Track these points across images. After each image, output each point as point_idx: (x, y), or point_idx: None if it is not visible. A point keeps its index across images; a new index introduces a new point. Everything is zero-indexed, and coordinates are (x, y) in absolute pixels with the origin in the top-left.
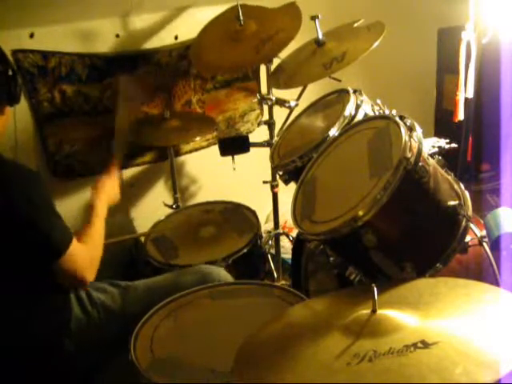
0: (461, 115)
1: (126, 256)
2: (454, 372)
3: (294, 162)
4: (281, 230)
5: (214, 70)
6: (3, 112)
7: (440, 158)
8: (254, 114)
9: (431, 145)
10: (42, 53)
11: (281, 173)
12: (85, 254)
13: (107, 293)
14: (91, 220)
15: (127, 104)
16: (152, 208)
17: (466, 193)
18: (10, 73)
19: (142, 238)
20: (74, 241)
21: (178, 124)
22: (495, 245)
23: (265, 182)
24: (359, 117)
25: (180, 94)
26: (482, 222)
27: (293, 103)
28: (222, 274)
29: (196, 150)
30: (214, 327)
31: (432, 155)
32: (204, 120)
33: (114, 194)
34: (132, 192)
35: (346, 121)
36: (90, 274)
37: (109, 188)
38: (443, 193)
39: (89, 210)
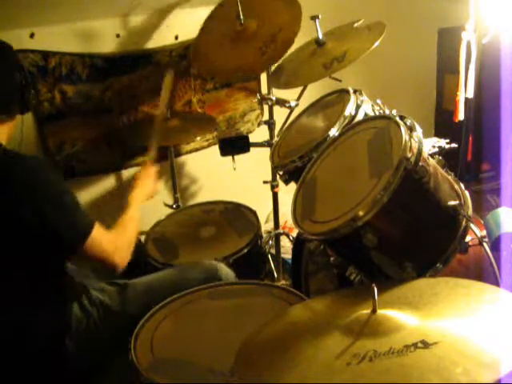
0: (461, 115)
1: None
2: (454, 372)
3: (294, 162)
4: (281, 230)
5: (217, 73)
6: (14, 118)
7: (440, 157)
8: (254, 114)
9: (431, 145)
10: (42, 53)
11: (281, 173)
12: (111, 238)
13: (106, 292)
14: (124, 212)
15: (168, 98)
16: (152, 208)
17: (466, 193)
18: (24, 82)
19: (142, 238)
20: (97, 226)
21: (178, 124)
22: (495, 245)
23: (265, 182)
24: (359, 117)
25: (180, 94)
26: (482, 222)
27: (293, 103)
28: (224, 270)
29: (196, 150)
30: (214, 327)
31: (432, 155)
32: (204, 120)
33: (151, 188)
34: None
35: (346, 121)
36: (119, 259)
37: (146, 182)
38: (443, 193)
39: (126, 202)
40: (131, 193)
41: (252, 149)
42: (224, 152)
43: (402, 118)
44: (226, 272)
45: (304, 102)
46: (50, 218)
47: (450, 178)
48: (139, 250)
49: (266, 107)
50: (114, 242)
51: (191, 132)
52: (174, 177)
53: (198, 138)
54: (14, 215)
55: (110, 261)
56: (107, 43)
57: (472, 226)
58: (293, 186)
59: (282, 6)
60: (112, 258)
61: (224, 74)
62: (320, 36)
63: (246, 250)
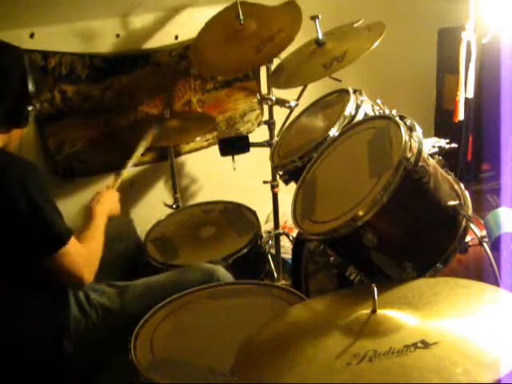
0: (461, 115)
1: (127, 257)
2: (454, 372)
3: (293, 161)
4: (281, 230)
5: (214, 71)
6: (9, 132)
7: (440, 158)
8: (254, 113)
9: (431, 145)
10: (42, 53)
11: (281, 173)
12: (83, 253)
13: (105, 293)
14: (90, 226)
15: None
16: (152, 208)
17: (466, 193)
18: (23, 95)
19: (142, 238)
20: (73, 238)
21: (178, 124)
22: (495, 245)
23: (265, 182)
24: (359, 117)
25: (180, 94)
26: (482, 222)
27: (293, 103)
28: (222, 272)
29: (196, 150)
30: (214, 327)
31: (432, 155)
32: (204, 119)
33: (114, 207)
34: (132, 192)
35: (346, 121)
36: (88, 274)
37: (108, 200)
38: (443, 193)
39: (88, 218)
40: (95, 206)
41: (252, 149)
42: (224, 152)
43: (401, 118)
44: (224, 274)
45: (304, 102)
46: (29, 221)
47: (450, 178)
48: (139, 250)
49: (265, 107)
50: (85, 257)
51: (191, 132)
52: (173, 177)
53: (198, 138)
54: (7, 213)
55: (79, 275)
56: (107, 43)
57: (472, 226)
58: (293, 185)
59: (282, 10)
60: (81, 273)
61: (222, 72)
62: (320, 36)
63: (245, 250)
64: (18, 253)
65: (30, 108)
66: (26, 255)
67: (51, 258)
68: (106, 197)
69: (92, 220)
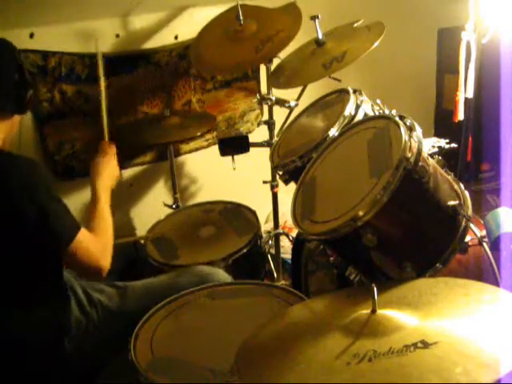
0: (461, 115)
1: (127, 257)
2: (454, 372)
3: (293, 161)
4: (281, 230)
5: (213, 69)
6: (9, 117)
7: (440, 158)
8: (254, 113)
9: (431, 145)
10: (42, 53)
11: (281, 173)
12: (95, 241)
13: (105, 293)
14: (95, 207)
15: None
16: (152, 208)
17: (466, 193)
18: (20, 80)
19: (142, 241)
20: (83, 229)
21: (177, 122)
22: (495, 245)
23: (265, 182)
24: (359, 117)
25: (180, 94)
26: (482, 222)
27: (293, 103)
28: (221, 275)
29: (196, 149)
30: (214, 327)
31: (432, 155)
32: (204, 117)
33: (113, 172)
34: (132, 192)
35: (346, 121)
36: (104, 261)
37: (106, 167)
38: (443, 193)
39: (91, 196)
40: (96, 181)
41: (252, 149)
42: (224, 152)
43: (401, 117)
44: (225, 277)
45: (304, 102)
46: (35, 224)
47: (450, 178)
48: (137, 249)
49: (265, 107)
50: (99, 246)
51: (191, 129)
52: (173, 177)
53: (199, 134)
54: (10, 214)
55: (97, 264)
56: (107, 43)
57: (472, 226)
58: (293, 185)
59: (283, 12)
60: (98, 262)
61: (221, 71)
62: (320, 36)
63: (245, 250)
64: (21, 255)
65: (29, 93)
66: (32, 257)
67: (64, 255)
68: (104, 166)
69: (97, 201)
